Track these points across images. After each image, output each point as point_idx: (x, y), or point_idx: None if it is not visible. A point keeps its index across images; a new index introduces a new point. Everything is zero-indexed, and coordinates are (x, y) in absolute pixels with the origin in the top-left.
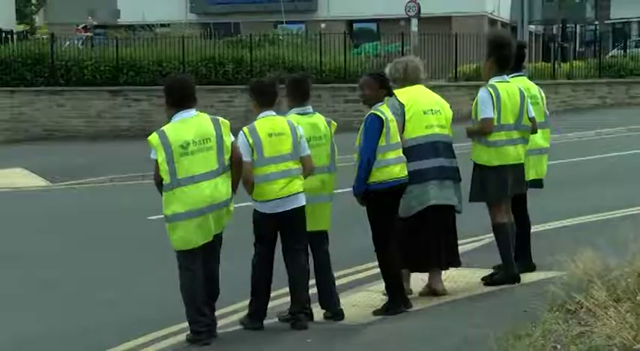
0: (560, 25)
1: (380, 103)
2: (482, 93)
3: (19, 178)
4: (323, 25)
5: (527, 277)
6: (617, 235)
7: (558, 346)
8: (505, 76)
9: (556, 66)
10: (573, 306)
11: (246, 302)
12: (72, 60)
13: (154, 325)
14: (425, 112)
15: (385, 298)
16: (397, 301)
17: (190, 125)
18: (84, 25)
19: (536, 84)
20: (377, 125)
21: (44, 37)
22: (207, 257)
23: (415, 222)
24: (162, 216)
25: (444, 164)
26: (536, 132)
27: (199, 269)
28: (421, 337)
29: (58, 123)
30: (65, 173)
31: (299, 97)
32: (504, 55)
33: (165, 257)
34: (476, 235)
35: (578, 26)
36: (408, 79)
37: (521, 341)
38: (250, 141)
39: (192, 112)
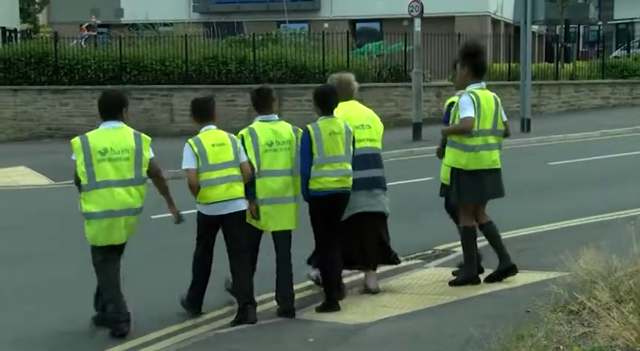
0: (564, 26)
1: (323, 117)
2: (463, 97)
3: (22, 176)
4: (326, 25)
5: (529, 278)
6: (621, 236)
7: (561, 347)
8: (482, 83)
9: (559, 66)
10: (576, 307)
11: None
12: (75, 59)
13: (156, 323)
14: (357, 127)
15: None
16: (332, 300)
17: (112, 135)
18: (87, 24)
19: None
20: (305, 139)
21: (47, 36)
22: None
23: (347, 226)
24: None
25: (373, 175)
26: (508, 135)
27: (114, 266)
28: (423, 338)
29: (62, 122)
30: (68, 172)
31: (261, 106)
32: (479, 62)
33: (167, 255)
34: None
35: (581, 27)
36: (341, 95)
37: (524, 342)
38: (195, 150)
39: (118, 124)
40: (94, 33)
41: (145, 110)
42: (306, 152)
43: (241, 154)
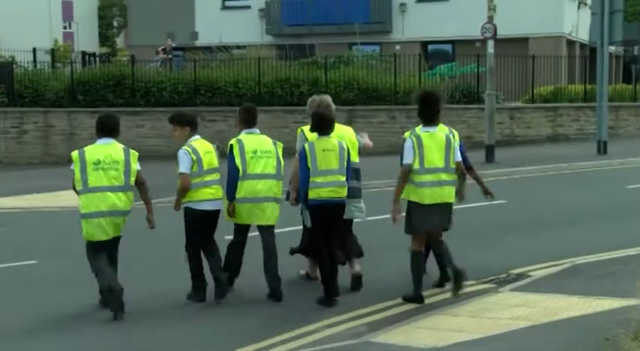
0: None
1: (319, 137)
2: (406, 141)
3: None
4: (398, 47)
5: (608, 304)
6: None
7: None
8: (431, 128)
9: (637, 88)
10: None
11: (362, 311)
12: (151, 81)
13: (255, 337)
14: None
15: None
16: (329, 291)
17: (104, 149)
18: (163, 47)
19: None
20: (301, 154)
21: (124, 59)
22: (110, 253)
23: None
24: None
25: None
26: (463, 175)
27: (102, 257)
28: None
29: (137, 143)
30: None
31: (247, 121)
32: (429, 110)
33: (243, 277)
34: (553, 260)
35: None
36: None
37: None
38: (194, 157)
39: (110, 140)
40: (170, 56)
41: (219, 132)
42: (302, 165)
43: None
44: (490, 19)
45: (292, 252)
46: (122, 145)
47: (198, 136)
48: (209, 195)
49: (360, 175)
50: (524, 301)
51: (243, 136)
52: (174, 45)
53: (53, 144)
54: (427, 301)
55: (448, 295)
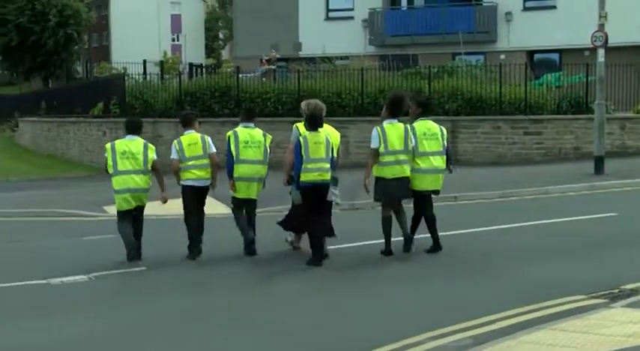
0: None
1: (310, 132)
2: (373, 130)
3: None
4: (502, 56)
5: None
6: None
7: None
8: (393, 120)
9: None
10: None
11: (468, 323)
12: (255, 92)
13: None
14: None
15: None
16: (317, 256)
17: (130, 143)
18: (267, 58)
19: None
20: (297, 145)
21: (229, 70)
22: (134, 221)
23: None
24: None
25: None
26: (413, 155)
27: (128, 222)
28: None
29: None
30: None
31: (245, 117)
32: (397, 109)
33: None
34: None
35: None
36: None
37: None
38: (177, 147)
39: (135, 137)
40: (274, 67)
41: None
42: (298, 154)
43: (210, 149)
44: (601, 27)
45: (278, 222)
46: (143, 140)
47: (189, 131)
48: (189, 175)
49: (335, 167)
50: (638, 318)
51: (239, 128)
52: (278, 56)
53: (161, 153)
54: (536, 314)
55: (558, 309)
